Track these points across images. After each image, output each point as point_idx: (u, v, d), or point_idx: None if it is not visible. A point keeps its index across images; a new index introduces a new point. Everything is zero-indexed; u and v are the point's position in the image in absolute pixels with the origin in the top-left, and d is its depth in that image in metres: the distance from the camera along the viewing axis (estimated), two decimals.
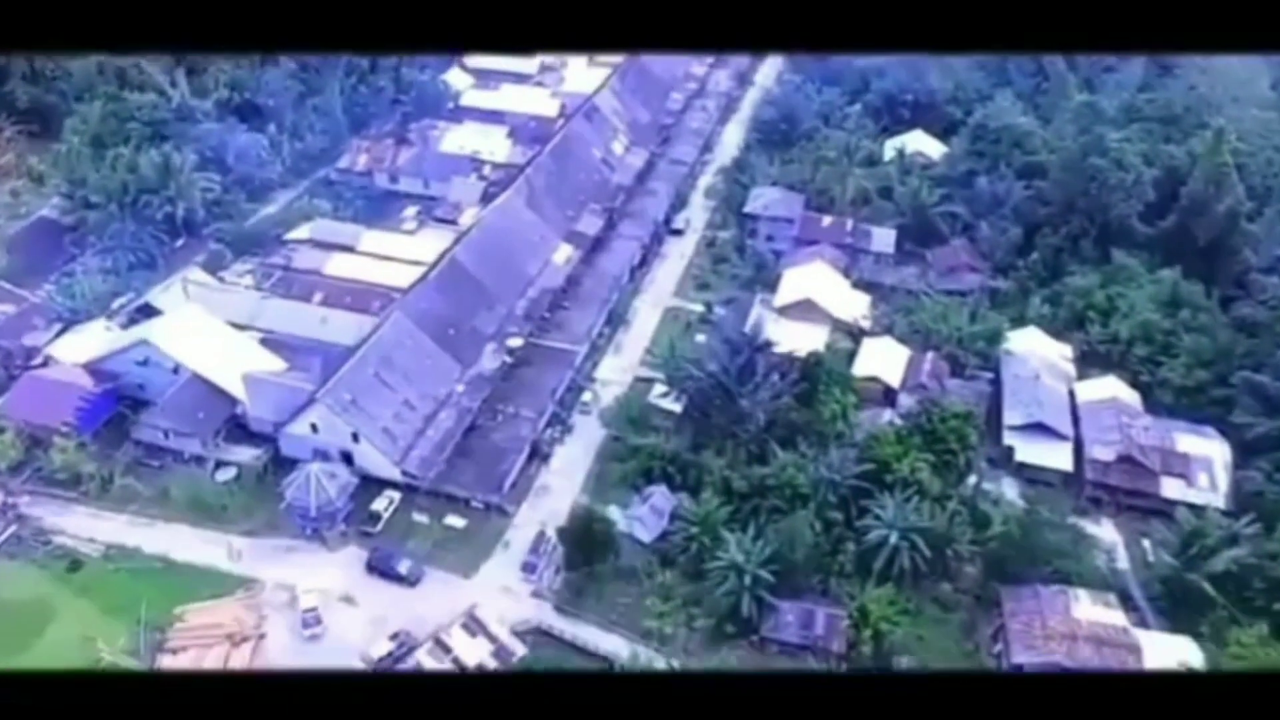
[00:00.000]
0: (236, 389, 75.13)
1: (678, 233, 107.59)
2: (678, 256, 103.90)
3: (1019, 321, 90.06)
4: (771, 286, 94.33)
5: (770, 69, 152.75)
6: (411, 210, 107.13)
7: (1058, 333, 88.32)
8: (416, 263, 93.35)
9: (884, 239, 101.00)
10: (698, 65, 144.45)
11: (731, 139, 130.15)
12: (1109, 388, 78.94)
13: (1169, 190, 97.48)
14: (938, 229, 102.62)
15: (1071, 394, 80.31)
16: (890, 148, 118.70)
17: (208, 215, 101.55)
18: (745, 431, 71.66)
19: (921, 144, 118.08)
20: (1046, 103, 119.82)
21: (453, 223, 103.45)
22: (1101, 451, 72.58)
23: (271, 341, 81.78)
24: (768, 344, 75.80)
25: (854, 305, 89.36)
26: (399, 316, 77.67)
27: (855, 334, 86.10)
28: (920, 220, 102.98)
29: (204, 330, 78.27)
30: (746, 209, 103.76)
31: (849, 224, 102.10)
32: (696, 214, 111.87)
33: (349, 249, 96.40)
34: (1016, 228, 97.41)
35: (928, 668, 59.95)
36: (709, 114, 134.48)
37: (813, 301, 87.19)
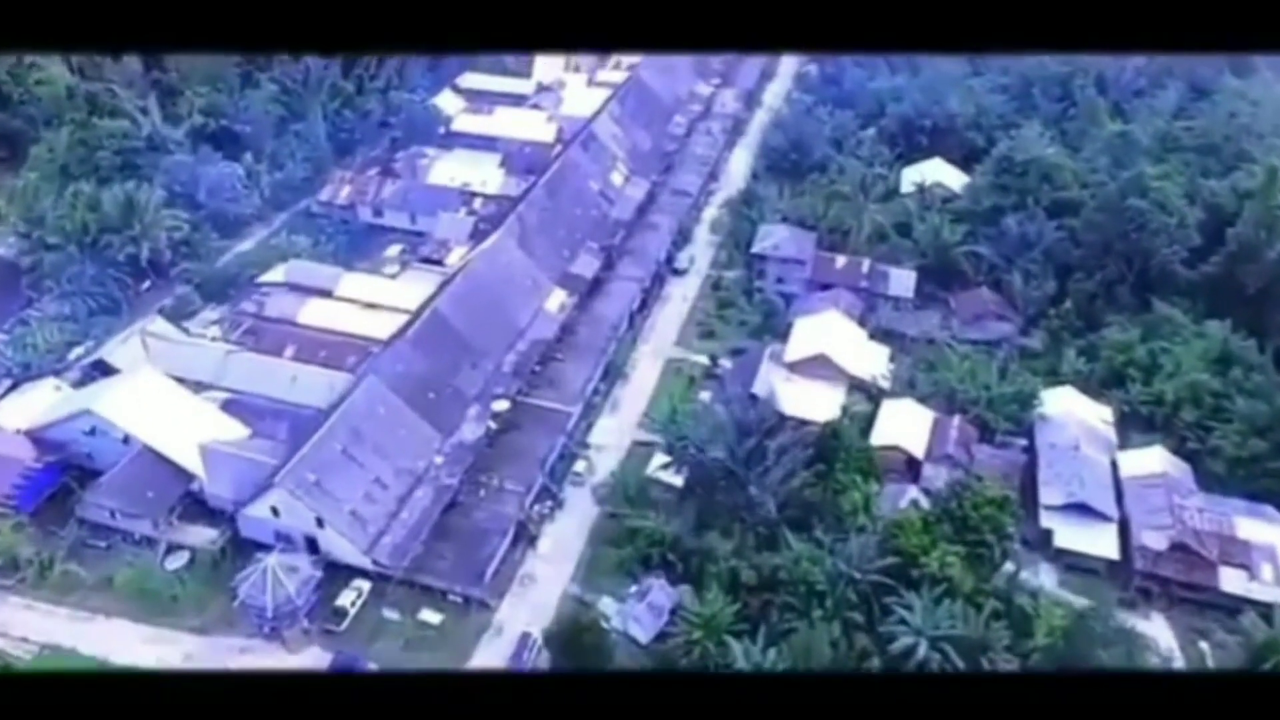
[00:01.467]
0: (193, 462, 68.05)
1: (681, 272, 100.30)
2: (680, 299, 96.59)
3: (1052, 378, 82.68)
4: (782, 335, 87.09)
5: (779, 88, 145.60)
6: (395, 249, 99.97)
7: (1095, 391, 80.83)
8: (398, 310, 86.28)
9: (903, 281, 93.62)
10: (702, 85, 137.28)
11: (738, 166, 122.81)
12: (1156, 460, 71.42)
13: (1212, 229, 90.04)
14: (960, 270, 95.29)
15: (1114, 464, 72.84)
16: (908, 178, 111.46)
17: (176, 254, 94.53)
18: (754, 515, 64.34)
19: (941, 173, 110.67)
20: (1075, 130, 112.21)
21: (439, 263, 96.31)
22: (1151, 538, 65.08)
23: (236, 403, 74.73)
24: (780, 421, 68.52)
25: (872, 360, 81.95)
26: (372, 382, 70.48)
27: (874, 394, 78.67)
28: (942, 260, 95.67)
29: (158, 395, 71.16)
30: (755, 249, 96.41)
31: (865, 265, 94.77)
32: (701, 251, 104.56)
33: (326, 293, 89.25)
34: (1047, 272, 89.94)
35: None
36: (714, 138, 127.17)
37: (827, 357, 79.82)
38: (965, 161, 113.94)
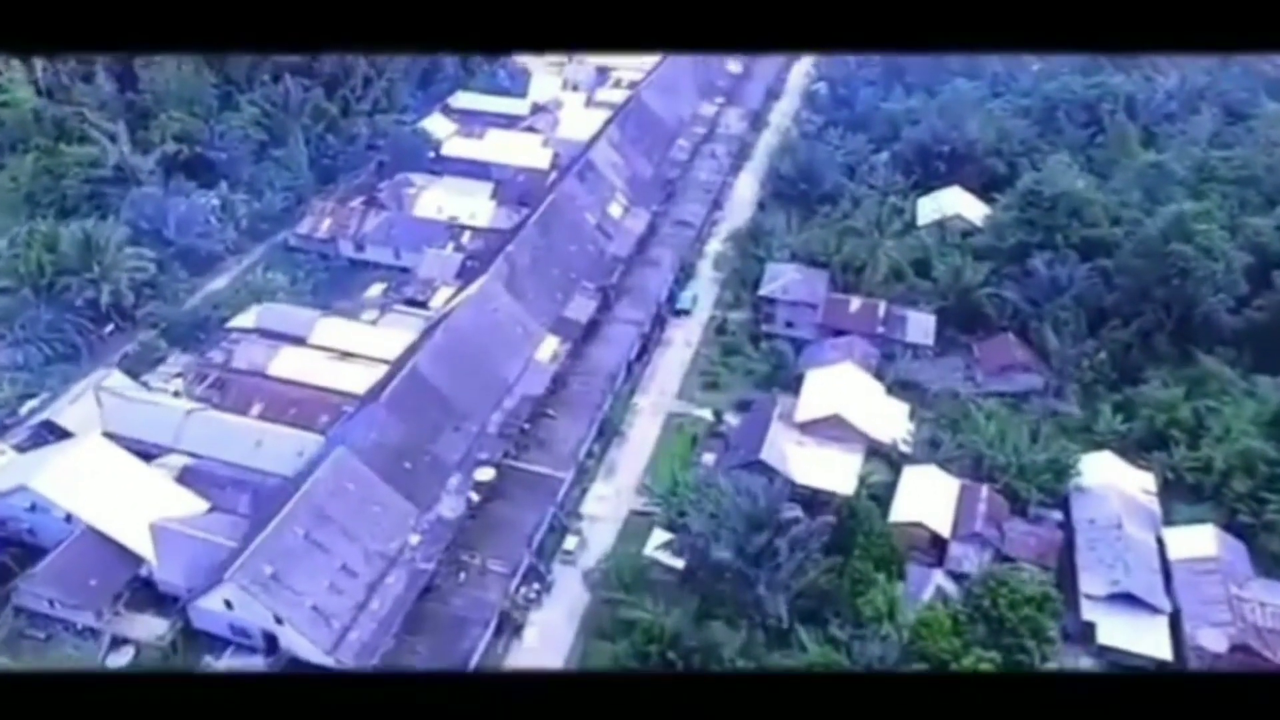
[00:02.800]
0: (143, 543, 61.50)
1: (683, 313, 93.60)
2: (683, 344, 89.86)
3: (1087, 437, 75.96)
4: (792, 386, 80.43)
5: (786, 106, 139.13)
6: (377, 288, 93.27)
7: (1134, 453, 73.94)
8: (376, 360, 79.92)
9: (921, 327, 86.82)
10: (706, 105, 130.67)
11: (744, 193, 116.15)
12: (1208, 540, 64.56)
13: (1257, 272, 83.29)
14: (983, 313, 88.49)
15: (1159, 542, 66.04)
16: (925, 208, 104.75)
17: (140, 296, 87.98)
18: (763, 611, 57.63)
19: (960, 204, 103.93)
20: (1103, 158, 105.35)
21: (423, 304, 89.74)
22: (1209, 637, 58.23)
23: (195, 471, 68.23)
24: (791, 492, 61.92)
25: (891, 420, 75.11)
26: (341, 455, 63.80)
27: (894, 460, 71.88)
28: (963, 303, 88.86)
29: (105, 466, 64.56)
30: (763, 291, 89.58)
31: (881, 308, 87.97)
32: (704, 288, 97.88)
33: (300, 340, 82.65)
34: (1079, 319, 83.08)
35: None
36: (719, 162, 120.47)
37: (842, 418, 73.06)
38: (985, 189, 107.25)
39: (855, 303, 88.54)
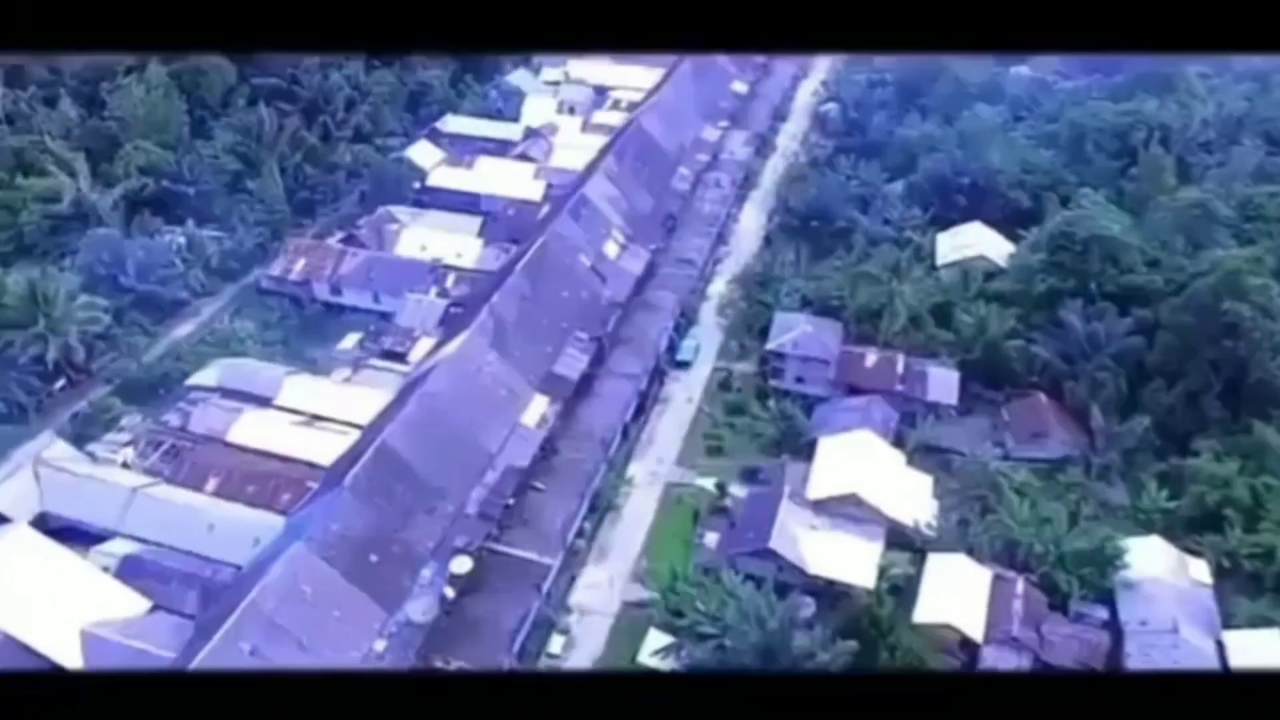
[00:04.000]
0: (71, 653, 54.44)
1: (684, 365, 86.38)
2: (683, 401, 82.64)
3: (1131, 517, 68.78)
4: (803, 453, 73.31)
5: (794, 128, 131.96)
6: (352, 338, 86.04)
7: (1183, 534, 66.77)
8: (347, 425, 72.94)
9: (944, 384, 79.59)
10: (710, 128, 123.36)
11: (749, 225, 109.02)
12: (1276, 648, 57.17)
13: None
14: (1011, 367, 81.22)
15: (1220, 646, 58.74)
16: (945, 245, 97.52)
17: (95, 349, 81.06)
18: None
19: (983, 241, 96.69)
20: (1136, 192, 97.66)
21: (402, 356, 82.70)
22: None
23: (137, 562, 61.18)
24: (807, 622, 54.74)
25: (914, 498, 67.87)
26: (297, 551, 56.62)
27: (918, 546, 64.64)
28: (990, 356, 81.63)
29: (31, 563, 57.47)
30: (771, 344, 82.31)
31: (900, 363, 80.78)
32: (707, 334, 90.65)
33: (265, 401, 75.65)
34: (1118, 378, 75.76)
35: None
36: (723, 192, 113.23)
37: (860, 498, 65.84)
38: (1007, 223, 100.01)
39: (871, 357, 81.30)
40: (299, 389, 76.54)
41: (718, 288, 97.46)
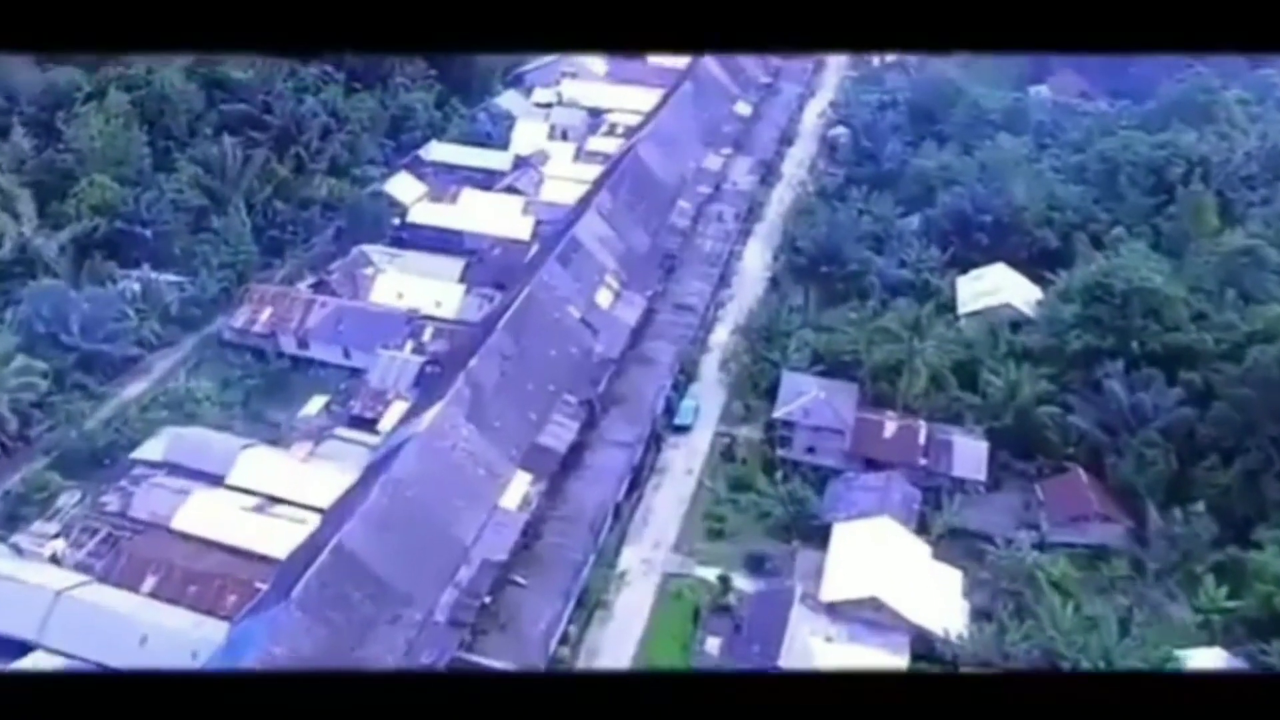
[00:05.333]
0: None
1: (683, 429, 78.67)
2: (682, 472, 74.91)
3: (1185, 618, 61.09)
4: (815, 537, 65.81)
5: (800, 153, 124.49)
6: (318, 402, 78.21)
7: (1243, 640, 58.99)
8: (307, 509, 65.36)
9: (971, 458, 71.79)
10: (712, 156, 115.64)
11: (754, 264, 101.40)
12: None
13: None
14: (1043, 435, 73.49)
15: None
16: (966, 290, 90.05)
17: (32, 417, 73.54)
18: None
19: (1008, 285, 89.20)
20: (1174, 232, 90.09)
21: (372, 424, 75.13)
22: None
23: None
24: None
25: (941, 600, 60.16)
26: None
27: (947, 659, 56.91)
28: (1021, 424, 73.86)
29: None
30: (779, 413, 74.52)
31: (921, 433, 73.04)
32: (709, 391, 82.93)
33: (217, 479, 68.06)
34: (1168, 455, 68.01)
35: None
36: (725, 226, 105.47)
37: (881, 602, 58.11)
38: (1032, 263, 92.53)
39: (890, 425, 73.53)
40: (255, 465, 68.87)
41: (720, 337, 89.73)
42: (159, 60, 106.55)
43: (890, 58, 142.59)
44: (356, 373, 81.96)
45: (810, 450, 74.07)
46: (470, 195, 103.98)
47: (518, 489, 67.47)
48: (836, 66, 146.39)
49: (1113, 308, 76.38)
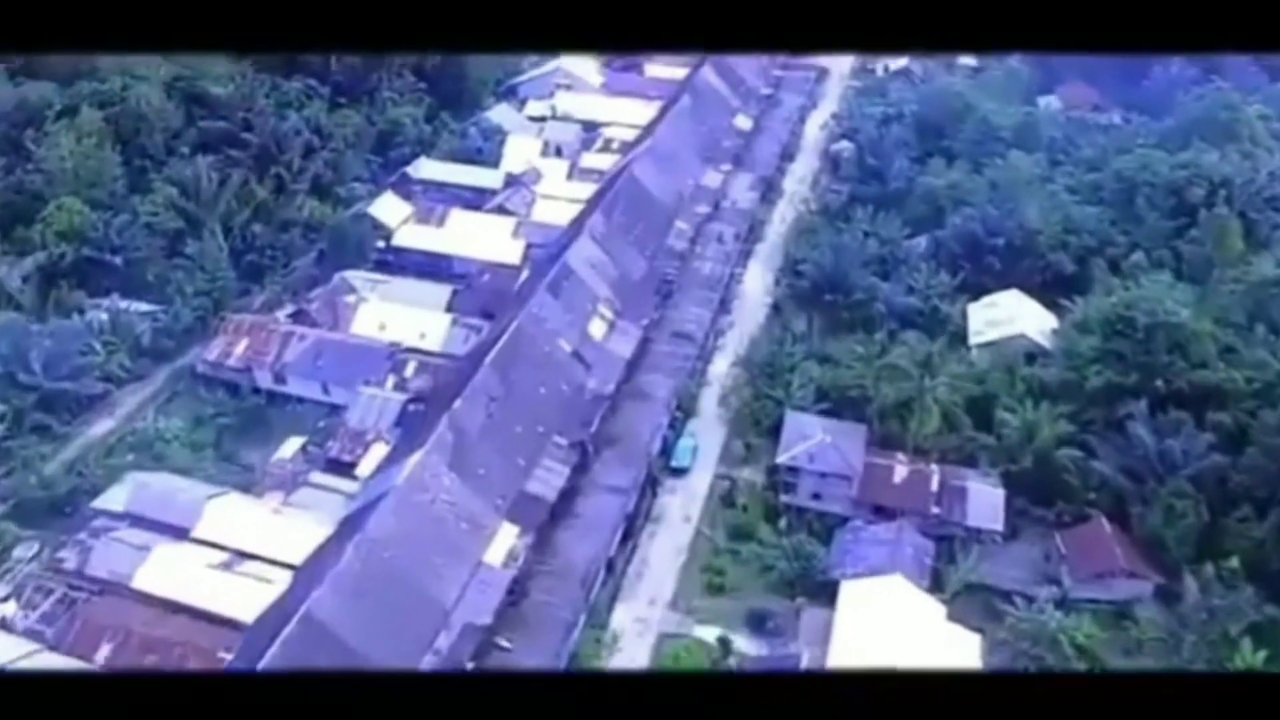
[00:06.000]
0: None
1: (680, 472, 74.33)
2: (679, 519, 70.59)
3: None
4: (821, 594, 61.59)
5: (802, 169, 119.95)
6: (294, 444, 73.68)
7: None
8: (277, 567, 61.07)
9: (986, 506, 67.44)
10: (711, 173, 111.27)
11: (755, 288, 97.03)
12: None
13: None
14: (1063, 480, 69.21)
15: None
16: (978, 318, 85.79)
17: None
18: None
19: (1021, 314, 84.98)
20: (1195, 257, 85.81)
21: (350, 468, 70.76)
22: None
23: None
24: None
25: (959, 667, 55.71)
26: None
27: None
28: (1040, 468, 69.58)
29: None
30: (783, 458, 70.12)
31: (934, 479, 68.75)
32: (708, 430, 78.54)
33: (182, 532, 63.77)
34: (1199, 506, 63.69)
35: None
36: (725, 248, 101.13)
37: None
38: (1047, 290, 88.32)
39: (901, 470, 69.25)
40: (223, 516, 64.53)
41: (719, 369, 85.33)
42: (144, 62, 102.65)
43: (894, 66, 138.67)
44: (336, 409, 77.56)
45: (816, 496, 69.75)
46: (459, 216, 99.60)
47: (503, 542, 63.13)
48: (839, 76, 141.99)
49: (1135, 342, 72.09)
